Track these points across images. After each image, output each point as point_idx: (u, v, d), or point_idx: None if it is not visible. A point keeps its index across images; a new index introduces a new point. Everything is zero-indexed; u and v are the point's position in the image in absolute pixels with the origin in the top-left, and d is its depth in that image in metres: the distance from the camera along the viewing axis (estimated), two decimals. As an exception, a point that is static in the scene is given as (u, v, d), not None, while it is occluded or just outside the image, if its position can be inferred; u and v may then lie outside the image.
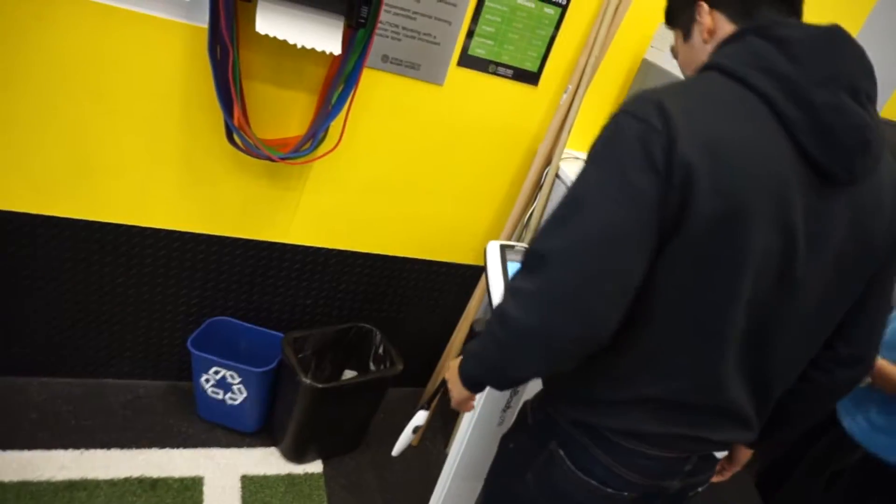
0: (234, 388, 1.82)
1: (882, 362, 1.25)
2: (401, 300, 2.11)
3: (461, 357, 1.03)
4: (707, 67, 0.84)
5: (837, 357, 0.98)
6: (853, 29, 1.91)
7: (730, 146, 0.75)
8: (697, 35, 0.92)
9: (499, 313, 0.85)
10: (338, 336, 1.98)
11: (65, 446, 1.71)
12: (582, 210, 0.77)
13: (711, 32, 0.90)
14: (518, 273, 0.86)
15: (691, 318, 0.82)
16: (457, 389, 1.04)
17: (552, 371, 0.85)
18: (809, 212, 0.79)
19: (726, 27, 0.89)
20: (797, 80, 0.76)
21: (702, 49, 0.92)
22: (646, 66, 1.79)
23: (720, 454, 1.07)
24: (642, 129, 0.74)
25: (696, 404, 0.90)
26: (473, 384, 1.01)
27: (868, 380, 1.27)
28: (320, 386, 1.70)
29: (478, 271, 2.09)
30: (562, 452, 0.99)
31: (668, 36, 1.72)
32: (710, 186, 0.73)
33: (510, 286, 0.86)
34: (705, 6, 0.90)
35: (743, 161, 0.75)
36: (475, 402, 1.12)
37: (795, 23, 0.81)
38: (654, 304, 0.81)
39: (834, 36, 0.78)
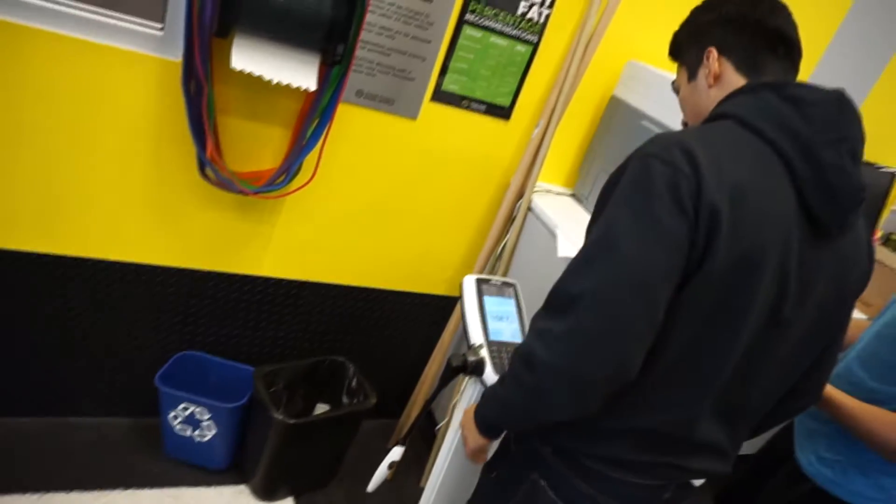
0: (204, 424, 1.77)
1: (830, 389, 1.27)
2: (374, 332, 2.10)
3: (477, 403, 1.02)
4: (722, 116, 0.87)
5: (794, 390, 1.01)
6: (826, 37, 1.99)
7: (750, 194, 0.78)
8: (703, 79, 0.95)
9: (524, 355, 0.84)
10: (310, 369, 1.95)
11: (23, 489, 1.64)
12: (612, 251, 0.78)
13: (717, 78, 0.93)
14: (541, 313, 0.86)
15: (696, 354, 0.84)
16: (472, 437, 1.02)
17: (580, 414, 0.84)
18: (802, 261, 0.83)
19: (732, 77, 0.92)
20: (809, 139, 0.80)
21: (705, 93, 0.94)
22: (615, 103, 1.84)
23: (697, 482, 1.09)
24: (670, 172, 0.76)
25: (682, 437, 0.91)
26: (492, 430, 1.00)
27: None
28: (292, 421, 1.67)
29: (451, 302, 2.10)
30: (544, 483, 0.99)
31: (636, 75, 1.79)
32: (732, 231, 0.76)
33: (534, 327, 0.85)
34: (714, 52, 0.93)
35: (760, 210, 0.78)
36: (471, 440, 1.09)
37: (807, 84, 0.85)
38: (665, 340, 0.82)
39: (841, 100, 0.82)
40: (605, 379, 0.79)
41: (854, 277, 0.91)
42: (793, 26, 0.92)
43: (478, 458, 1.10)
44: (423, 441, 2.19)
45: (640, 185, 0.78)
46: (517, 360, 0.86)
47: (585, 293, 0.78)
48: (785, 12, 0.93)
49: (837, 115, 0.81)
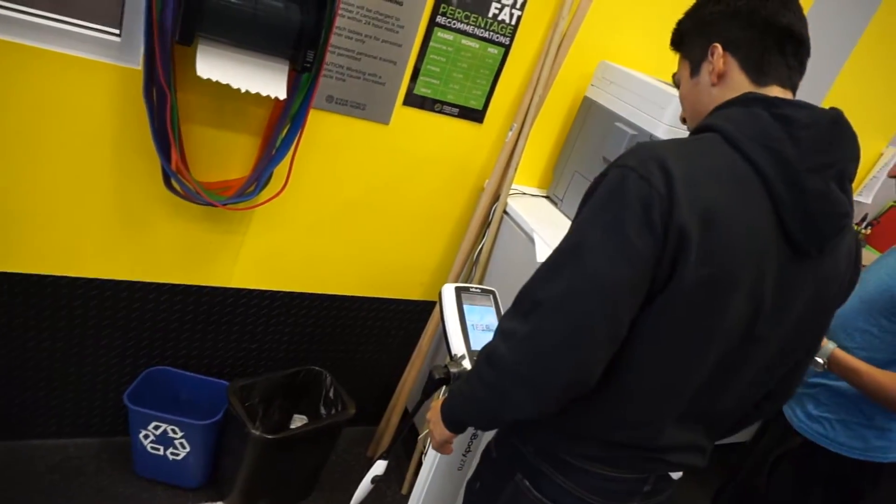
0: (177, 442, 1.72)
1: (841, 354, 1.42)
2: (351, 340, 2.06)
3: (445, 398, 1.03)
4: (709, 128, 0.85)
5: (769, 392, 1.03)
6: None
7: (723, 217, 0.77)
8: (706, 75, 0.91)
9: (488, 354, 0.87)
10: (286, 380, 1.90)
11: (-15, 520, 1.57)
12: (579, 260, 0.79)
13: (721, 76, 0.90)
14: (509, 313, 0.87)
15: (661, 369, 0.85)
16: (439, 430, 1.04)
17: (539, 414, 0.86)
18: (779, 282, 0.83)
19: (736, 76, 0.88)
20: (794, 163, 0.78)
21: (707, 91, 0.91)
22: (587, 104, 1.83)
23: (676, 475, 1.11)
24: (645, 189, 0.75)
25: (651, 444, 0.93)
26: (457, 425, 1.02)
27: (821, 363, 1.45)
28: (270, 437, 1.63)
29: (428, 306, 2.07)
30: (527, 483, 1.00)
31: (609, 75, 1.78)
32: (700, 254, 0.76)
33: (501, 327, 0.87)
34: (720, 48, 0.89)
35: (732, 233, 0.78)
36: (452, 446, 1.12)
37: (804, 104, 0.83)
38: (632, 354, 0.83)
39: (836, 124, 0.81)
40: (562, 385, 0.81)
41: (834, 292, 0.91)
42: (803, 23, 0.89)
43: (444, 449, 1.12)
44: (403, 448, 2.17)
45: (614, 197, 0.78)
46: (482, 359, 0.89)
47: (550, 300, 0.80)
48: (796, 7, 0.89)
49: (829, 139, 0.80)
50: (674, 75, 1.02)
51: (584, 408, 0.89)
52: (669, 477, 1.06)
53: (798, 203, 0.79)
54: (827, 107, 0.84)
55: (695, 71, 0.94)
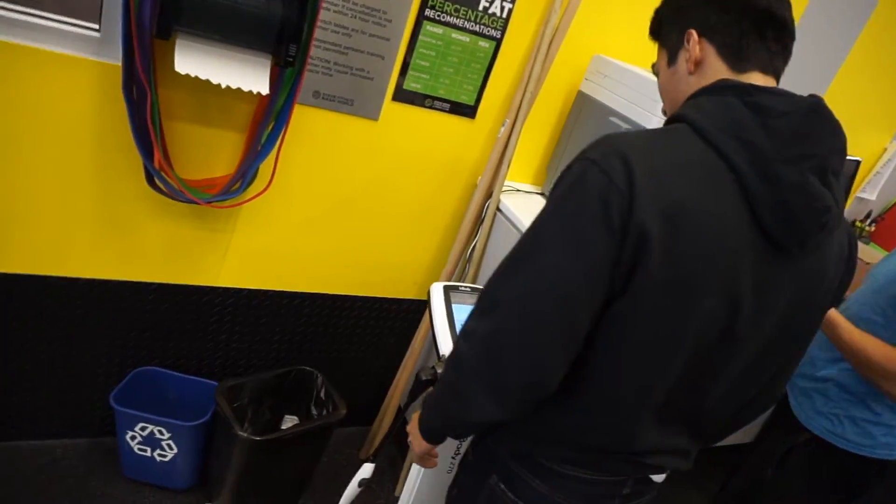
0: (164, 443, 1.69)
1: (835, 315, 1.45)
2: (342, 339, 2.03)
3: (420, 409, 1.00)
4: (679, 119, 0.80)
5: (757, 394, 0.99)
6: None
7: (688, 216, 0.73)
8: (683, 63, 0.87)
9: (452, 355, 0.85)
10: (276, 381, 1.88)
11: (-30, 522, 1.55)
12: (536, 257, 0.77)
13: (698, 64, 0.85)
14: (473, 312, 0.85)
15: (628, 372, 0.82)
16: (417, 442, 1.01)
17: (506, 417, 0.83)
18: (758, 281, 0.78)
19: (714, 63, 0.84)
20: (768, 154, 0.73)
21: (685, 80, 0.87)
22: (581, 98, 1.80)
23: (657, 477, 1.07)
24: (604, 183, 0.71)
25: (625, 448, 0.90)
26: (434, 435, 0.99)
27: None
28: (258, 439, 1.60)
29: (421, 305, 2.04)
30: (503, 486, 0.98)
31: (603, 69, 1.74)
32: (663, 255, 0.72)
33: (464, 327, 0.85)
34: (695, 35, 0.85)
35: (699, 232, 0.73)
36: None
37: (780, 91, 0.78)
38: (595, 357, 0.80)
39: (815, 112, 0.76)
40: (521, 386, 0.79)
41: (822, 290, 0.86)
42: (785, 4, 0.84)
43: (426, 463, 1.08)
44: (397, 448, 2.14)
45: (574, 191, 0.75)
46: (448, 361, 0.87)
47: (507, 300, 0.78)
48: None
49: (807, 129, 0.75)
50: (653, 65, 0.97)
51: (555, 411, 0.86)
52: (650, 479, 1.02)
53: (773, 196, 0.74)
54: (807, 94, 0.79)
55: (672, 59, 0.90)
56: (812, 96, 0.78)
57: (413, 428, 1.02)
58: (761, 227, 0.76)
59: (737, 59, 0.83)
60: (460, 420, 0.89)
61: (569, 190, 0.75)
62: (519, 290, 0.77)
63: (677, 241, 0.72)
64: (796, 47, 0.86)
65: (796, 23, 0.87)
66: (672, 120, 0.82)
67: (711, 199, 0.74)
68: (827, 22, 2.03)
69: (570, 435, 0.89)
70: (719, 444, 1.13)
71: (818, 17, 2.01)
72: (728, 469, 2.12)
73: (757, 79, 0.83)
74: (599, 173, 0.72)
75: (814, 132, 0.75)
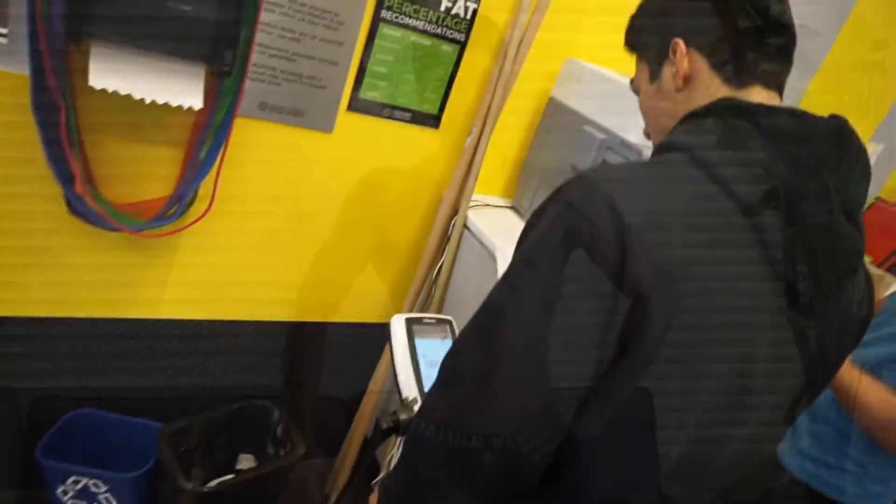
0: (101, 497, 1.52)
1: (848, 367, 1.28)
2: (300, 368, 1.88)
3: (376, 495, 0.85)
4: (673, 147, 0.66)
5: None
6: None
7: (692, 270, 0.59)
8: (669, 79, 0.73)
9: (413, 438, 0.72)
10: (229, 418, 1.71)
11: None
12: (504, 322, 0.63)
13: (687, 79, 0.71)
14: (433, 384, 0.71)
15: (629, 453, 0.68)
16: None
17: None
18: (777, 337, 0.66)
19: (707, 77, 0.70)
20: (790, 191, 0.60)
21: (672, 98, 0.73)
22: (553, 105, 1.67)
23: None
24: (587, 233, 0.58)
25: None
26: None
27: None
28: (205, 490, 1.44)
29: (385, 328, 1.90)
30: None
31: (576, 74, 1.62)
32: (664, 318, 0.58)
33: (424, 401, 0.73)
34: (682, 45, 0.71)
35: (708, 288, 0.60)
36: None
37: (796, 111, 0.65)
38: (587, 443, 0.65)
39: (839, 136, 0.63)
40: (498, 471, 0.65)
41: (847, 340, 0.74)
42: (785, 4, 0.71)
43: None
44: (365, 480, 2.00)
45: (549, 242, 0.61)
46: (407, 444, 0.74)
47: (470, 375, 0.65)
48: None
49: (834, 160, 0.62)
50: (631, 81, 0.83)
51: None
52: None
53: (796, 243, 0.61)
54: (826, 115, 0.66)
55: (655, 75, 0.76)
56: (834, 117, 0.65)
57: None
58: (781, 275, 0.63)
59: (734, 72, 0.70)
60: None
61: (543, 241, 0.61)
62: (484, 364, 0.63)
63: (678, 301, 0.59)
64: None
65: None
66: (663, 148, 0.68)
67: (720, 247, 0.61)
68: (808, 15, 1.95)
69: None
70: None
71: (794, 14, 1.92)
72: None
73: (759, 95, 0.70)
74: (581, 220, 0.58)
75: (843, 162, 0.62)
